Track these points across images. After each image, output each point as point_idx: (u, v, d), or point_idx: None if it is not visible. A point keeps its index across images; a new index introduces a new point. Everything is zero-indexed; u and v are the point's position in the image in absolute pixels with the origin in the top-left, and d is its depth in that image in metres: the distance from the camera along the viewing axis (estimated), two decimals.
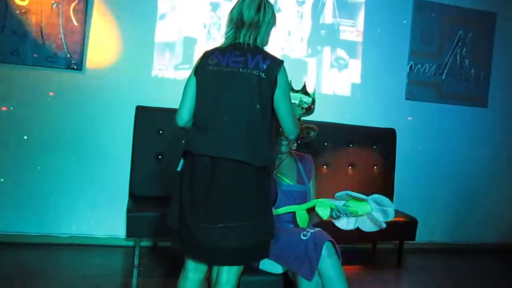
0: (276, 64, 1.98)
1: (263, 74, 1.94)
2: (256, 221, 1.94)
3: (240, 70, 1.95)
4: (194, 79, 2.04)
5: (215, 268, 2.07)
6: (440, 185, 4.42)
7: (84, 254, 3.55)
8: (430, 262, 4.11)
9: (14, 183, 3.56)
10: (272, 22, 2.06)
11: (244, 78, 1.94)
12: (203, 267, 2.09)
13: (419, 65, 4.34)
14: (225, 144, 1.93)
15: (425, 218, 4.08)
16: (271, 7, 2.06)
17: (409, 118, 4.37)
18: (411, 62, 4.33)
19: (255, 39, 2.01)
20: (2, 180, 3.56)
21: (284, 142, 2.37)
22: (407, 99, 4.34)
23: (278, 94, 1.98)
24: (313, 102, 2.38)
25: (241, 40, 2.00)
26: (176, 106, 2.07)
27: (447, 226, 4.44)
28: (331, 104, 4.06)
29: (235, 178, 1.92)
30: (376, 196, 2.27)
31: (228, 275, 2.00)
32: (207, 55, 2.04)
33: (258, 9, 2.00)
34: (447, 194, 4.44)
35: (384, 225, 2.28)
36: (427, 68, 4.37)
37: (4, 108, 3.57)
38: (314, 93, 2.40)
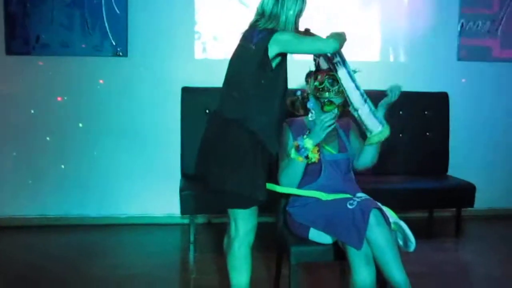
0: (268, 34, 2.08)
1: (253, 46, 2.10)
2: (216, 172, 2.14)
3: (241, 43, 2.19)
4: None
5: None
6: (498, 149, 4.19)
7: (143, 232, 3.72)
8: (491, 230, 3.95)
9: (73, 169, 3.77)
10: (298, 6, 2.11)
11: (242, 50, 2.18)
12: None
13: (471, 23, 4.09)
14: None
15: (484, 183, 3.88)
16: None
17: (463, 80, 4.15)
18: (462, 20, 4.08)
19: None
20: (62, 166, 3.77)
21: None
22: (459, 59, 4.11)
23: (282, 48, 2.07)
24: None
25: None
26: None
27: (508, 192, 4.22)
28: (376, 70, 3.91)
29: (214, 127, 2.21)
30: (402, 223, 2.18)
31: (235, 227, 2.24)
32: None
33: (277, 1, 2.09)
34: (506, 158, 4.20)
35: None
36: (480, 25, 4.10)
37: (59, 99, 3.75)
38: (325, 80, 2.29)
